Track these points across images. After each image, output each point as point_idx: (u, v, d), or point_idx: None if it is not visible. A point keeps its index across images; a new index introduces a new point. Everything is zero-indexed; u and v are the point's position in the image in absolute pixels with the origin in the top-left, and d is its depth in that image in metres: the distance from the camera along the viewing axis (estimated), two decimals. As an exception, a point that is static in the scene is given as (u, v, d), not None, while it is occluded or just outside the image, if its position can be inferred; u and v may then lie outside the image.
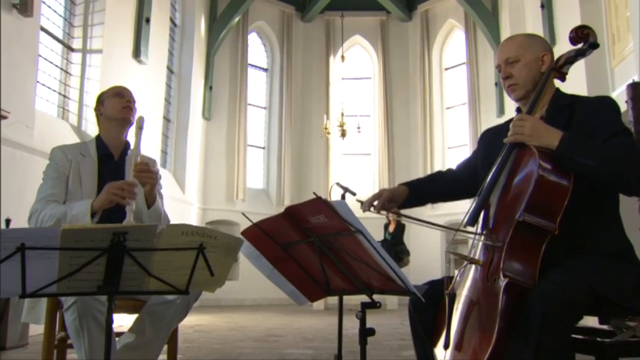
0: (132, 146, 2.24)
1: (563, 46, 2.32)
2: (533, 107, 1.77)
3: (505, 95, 1.96)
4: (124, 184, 2.06)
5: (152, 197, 2.21)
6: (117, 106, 2.36)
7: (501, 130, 1.98)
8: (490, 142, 1.99)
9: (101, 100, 2.41)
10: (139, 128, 2.18)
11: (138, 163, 2.13)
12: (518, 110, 1.91)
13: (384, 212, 1.98)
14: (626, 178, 1.58)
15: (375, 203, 1.95)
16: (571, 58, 1.80)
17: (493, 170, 1.75)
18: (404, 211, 2.00)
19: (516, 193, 1.62)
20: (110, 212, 2.14)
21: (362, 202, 1.96)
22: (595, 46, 1.77)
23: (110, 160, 2.36)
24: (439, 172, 2.21)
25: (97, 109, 2.42)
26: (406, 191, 2.04)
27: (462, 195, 2.09)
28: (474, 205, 1.75)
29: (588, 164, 1.55)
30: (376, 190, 2.03)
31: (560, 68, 1.81)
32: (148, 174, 2.14)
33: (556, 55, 1.84)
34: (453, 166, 2.21)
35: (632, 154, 1.60)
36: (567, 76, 1.84)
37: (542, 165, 1.57)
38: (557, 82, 1.87)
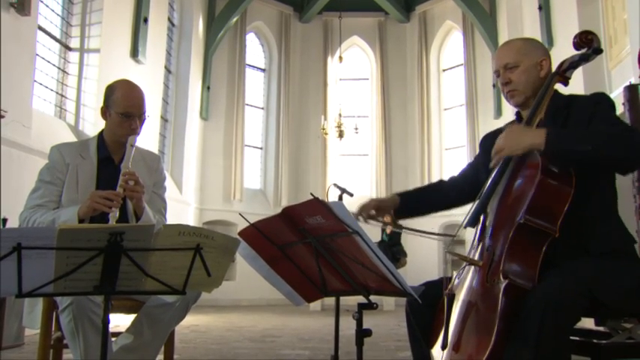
0: (124, 161, 2.16)
1: (560, 48, 2.33)
2: (534, 112, 1.76)
3: (503, 97, 1.96)
4: (109, 194, 2.02)
5: (140, 209, 2.16)
6: (120, 129, 2.22)
7: (499, 133, 1.99)
8: (490, 146, 1.98)
9: (109, 103, 2.24)
10: (131, 146, 2.13)
11: (124, 173, 2.08)
12: (518, 115, 1.91)
13: (372, 221, 1.97)
14: (622, 155, 1.56)
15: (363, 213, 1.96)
16: (575, 63, 1.80)
17: (494, 173, 1.75)
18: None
19: (518, 196, 1.62)
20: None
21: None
22: (599, 51, 1.77)
23: (110, 163, 2.28)
24: (440, 181, 2.20)
25: (103, 109, 2.26)
26: (397, 200, 2.04)
27: (464, 201, 2.06)
28: (474, 206, 1.75)
29: (584, 150, 1.53)
30: (373, 191, 2.04)
31: (564, 73, 1.81)
32: (133, 187, 2.08)
33: (556, 59, 1.84)
34: (450, 168, 2.23)
35: (624, 132, 1.59)
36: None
37: (544, 168, 1.56)
38: (557, 86, 1.87)
